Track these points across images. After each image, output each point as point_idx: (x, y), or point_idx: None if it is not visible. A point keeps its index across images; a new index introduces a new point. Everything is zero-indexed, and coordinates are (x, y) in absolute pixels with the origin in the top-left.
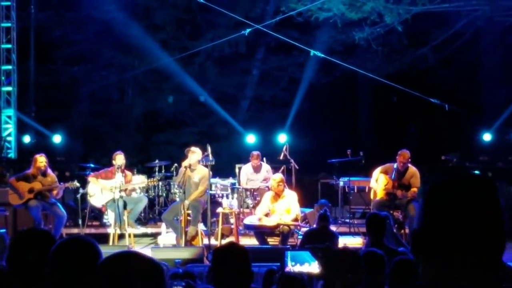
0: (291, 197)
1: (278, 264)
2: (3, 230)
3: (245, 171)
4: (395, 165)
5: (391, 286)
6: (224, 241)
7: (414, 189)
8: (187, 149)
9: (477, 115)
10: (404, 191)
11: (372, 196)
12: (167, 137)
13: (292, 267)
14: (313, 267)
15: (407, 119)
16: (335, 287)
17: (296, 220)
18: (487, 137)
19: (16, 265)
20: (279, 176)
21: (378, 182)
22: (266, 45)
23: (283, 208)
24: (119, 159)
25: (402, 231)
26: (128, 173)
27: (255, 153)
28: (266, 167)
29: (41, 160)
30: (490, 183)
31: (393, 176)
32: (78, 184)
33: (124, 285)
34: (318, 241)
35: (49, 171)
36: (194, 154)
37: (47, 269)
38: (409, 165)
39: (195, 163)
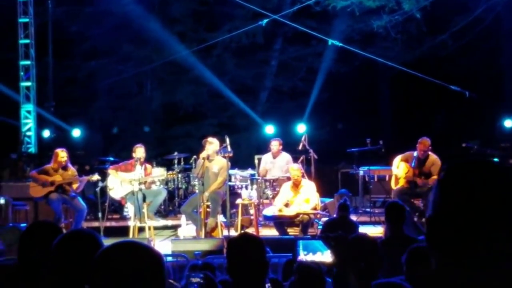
0: (309, 187)
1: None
2: (24, 225)
3: (265, 159)
4: (415, 153)
5: (407, 274)
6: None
7: (435, 177)
8: (204, 140)
9: (498, 102)
10: (424, 178)
11: (393, 185)
12: (186, 130)
13: (305, 256)
14: (325, 256)
15: (427, 107)
16: (347, 275)
17: (315, 209)
18: (508, 123)
19: (24, 259)
20: (297, 166)
21: (399, 170)
22: (283, 36)
23: (302, 198)
24: (139, 152)
25: (423, 219)
26: (147, 165)
27: (274, 138)
28: (286, 156)
29: (62, 154)
30: (508, 169)
31: (413, 164)
32: (98, 177)
33: (121, 277)
34: (338, 231)
35: (70, 165)
36: (212, 144)
37: (47, 263)
38: (430, 153)
39: (213, 153)
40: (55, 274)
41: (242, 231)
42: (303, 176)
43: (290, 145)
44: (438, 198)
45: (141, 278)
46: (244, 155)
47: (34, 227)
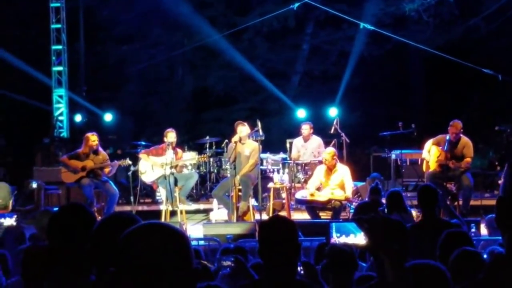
0: (344, 171)
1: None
2: (56, 209)
3: (296, 143)
4: (447, 136)
5: (441, 258)
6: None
7: (468, 159)
8: (236, 123)
9: None
10: (456, 162)
11: (424, 168)
12: (217, 114)
13: (337, 239)
14: (358, 238)
15: (459, 91)
16: (381, 258)
17: (352, 194)
18: None
19: (56, 241)
20: (331, 149)
21: (431, 154)
22: (315, 19)
23: (335, 183)
24: (171, 136)
25: (456, 203)
26: (178, 150)
27: (305, 122)
28: (317, 140)
29: (93, 139)
30: None
31: (445, 147)
32: (130, 162)
33: (145, 258)
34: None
35: (101, 149)
36: (244, 127)
37: (87, 246)
38: (462, 135)
39: (245, 136)
40: (92, 258)
41: (275, 214)
42: (337, 160)
43: (322, 129)
44: (509, 181)
45: (166, 258)
46: (275, 139)
47: (64, 210)
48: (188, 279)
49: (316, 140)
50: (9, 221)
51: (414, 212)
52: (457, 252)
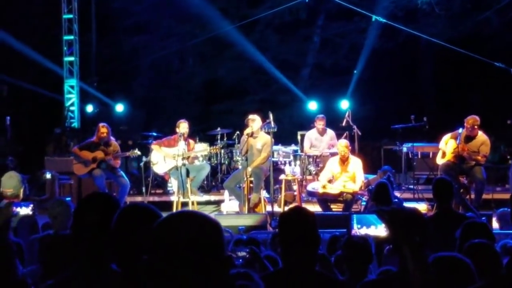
0: (356, 163)
1: (342, 230)
2: (68, 198)
3: (309, 136)
4: (460, 130)
5: (461, 249)
6: (287, 208)
7: (484, 154)
8: (247, 119)
9: None
10: (472, 152)
11: (438, 159)
12: (228, 106)
13: (358, 230)
14: (379, 230)
15: (471, 84)
16: (402, 250)
17: (360, 188)
18: None
19: (79, 229)
20: (345, 141)
21: (448, 146)
22: (326, 12)
23: (348, 175)
24: (183, 127)
25: (468, 196)
26: (190, 141)
27: (320, 116)
28: (330, 133)
29: (102, 130)
30: None
31: (458, 140)
32: (139, 153)
33: (179, 246)
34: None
35: (112, 140)
36: (255, 121)
37: (110, 234)
38: (481, 132)
39: (257, 130)
40: (115, 246)
41: (295, 205)
42: (350, 152)
43: (333, 122)
44: None
45: (200, 246)
46: (286, 131)
47: (90, 197)
48: (221, 266)
49: (330, 133)
50: (25, 211)
51: (424, 205)
52: (468, 244)
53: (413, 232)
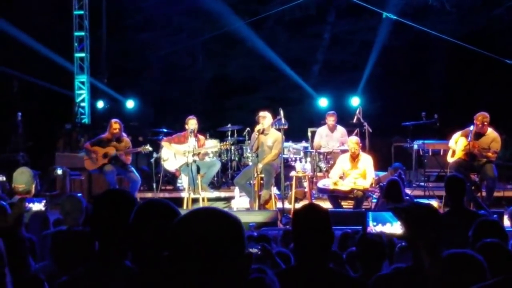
0: (367, 160)
1: (353, 227)
2: (79, 195)
3: (320, 133)
4: (471, 127)
5: (474, 246)
6: (297, 205)
7: (495, 150)
8: (258, 116)
9: None
10: (482, 149)
11: (449, 157)
12: (238, 102)
13: (374, 227)
14: (395, 227)
15: (482, 81)
16: (418, 247)
17: (371, 185)
18: None
19: (96, 225)
20: (355, 138)
21: (458, 144)
22: (336, 9)
23: (358, 172)
24: (192, 123)
25: (479, 193)
26: (201, 137)
27: (330, 112)
28: (341, 130)
29: (115, 126)
30: None
31: (469, 138)
32: (150, 148)
33: (200, 242)
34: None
35: (124, 136)
36: (266, 118)
37: (126, 231)
38: (491, 129)
39: (268, 127)
40: (134, 243)
41: (309, 202)
42: (361, 149)
43: (343, 119)
44: None
45: (221, 243)
46: (296, 128)
47: (106, 194)
48: (241, 263)
49: (340, 130)
50: (38, 206)
51: (435, 203)
52: (481, 243)
53: (428, 228)
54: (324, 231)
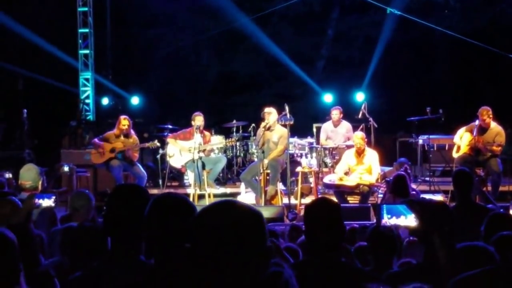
0: (372, 156)
1: (359, 222)
2: (87, 191)
3: (325, 128)
4: (476, 122)
5: (487, 240)
6: (304, 200)
7: (499, 143)
8: (263, 112)
9: None
10: (487, 143)
11: (454, 152)
12: (243, 99)
13: (388, 220)
14: (409, 220)
15: (487, 76)
16: (432, 240)
17: (377, 180)
18: None
19: (110, 220)
20: (361, 133)
21: (463, 139)
22: (341, 4)
23: (364, 167)
24: (198, 120)
25: (484, 188)
26: (206, 133)
27: (335, 107)
28: (346, 125)
29: (124, 123)
30: None
31: (474, 132)
32: (158, 144)
33: (222, 234)
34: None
35: (132, 132)
36: (271, 114)
37: (141, 225)
38: (495, 123)
39: (274, 123)
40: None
41: (321, 197)
42: (366, 145)
43: (349, 114)
44: None
45: (242, 236)
46: (301, 124)
47: (120, 189)
48: (262, 256)
49: (345, 125)
50: (48, 202)
51: (441, 198)
52: (497, 236)
53: (442, 221)
54: (336, 225)
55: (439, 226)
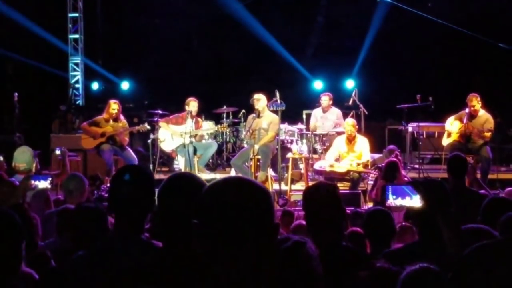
0: (363, 142)
1: (350, 208)
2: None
3: (315, 114)
4: (466, 110)
5: (485, 223)
6: (294, 186)
7: (489, 128)
8: (252, 99)
9: None
10: (478, 130)
11: (444, 139)
12: (233, 85)
13: (394, 201)
14: (414, 200)
15: (477, 65)
16: (436, 220)
17: (366, 166)
18: None
19: (114, 201)
20: (352, 120)
21: (453, 127)
22: None
23: (355, 154)
24: (193, 105)
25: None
26: (199, 119)
27: (324, 94)
28: (336, 111)
29: (113, 107)
30: None
31: (465, 120)
32: (148, 127)
33: (229, 210)
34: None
35: (122, 117)
36: (260, 101)
37: (155, 207)
38: (483, 111)
39: (263, 109)
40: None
41: (319, 181)
42: (357, 131)
43: (339, 101)
44: None
45: (252, 211)
46: (291, 111)
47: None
48: (269, 233)
49: (335, 111)
50: (44, 184)
51: None
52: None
53: (448, 201)
54: (335, 208)
55: (444, 206)
